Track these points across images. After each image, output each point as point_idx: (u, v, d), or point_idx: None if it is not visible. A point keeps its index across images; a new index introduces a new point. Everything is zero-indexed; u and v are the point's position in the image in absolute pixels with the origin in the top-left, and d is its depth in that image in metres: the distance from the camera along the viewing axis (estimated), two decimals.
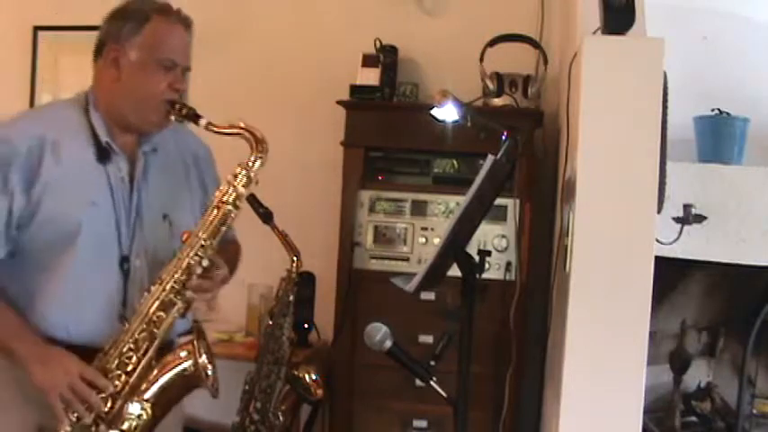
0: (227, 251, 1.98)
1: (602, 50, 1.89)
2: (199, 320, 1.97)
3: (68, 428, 1.69)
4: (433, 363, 1.81)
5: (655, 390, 2.44)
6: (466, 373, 1.84)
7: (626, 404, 1.85)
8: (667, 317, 2.48)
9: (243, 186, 1.80)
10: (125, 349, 1.75)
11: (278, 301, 2.47)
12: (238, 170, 1.80)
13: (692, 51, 2.50)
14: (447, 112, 2.28)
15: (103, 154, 1.80)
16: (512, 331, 2.81)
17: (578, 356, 1.87)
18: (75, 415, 1.69)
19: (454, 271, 1.94)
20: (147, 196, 1.86)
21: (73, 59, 3.82)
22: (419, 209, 3.10)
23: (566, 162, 2.31)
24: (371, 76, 3.29)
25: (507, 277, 2.99)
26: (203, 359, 1.78)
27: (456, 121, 2.33)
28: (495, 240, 3.01)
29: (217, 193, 1.81)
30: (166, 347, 1.84)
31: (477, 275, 1.89)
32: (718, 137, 2.34)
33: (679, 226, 2.14)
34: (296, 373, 2.54)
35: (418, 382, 1.82)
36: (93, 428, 1.72)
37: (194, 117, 1.80)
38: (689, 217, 2.15)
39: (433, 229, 3.08)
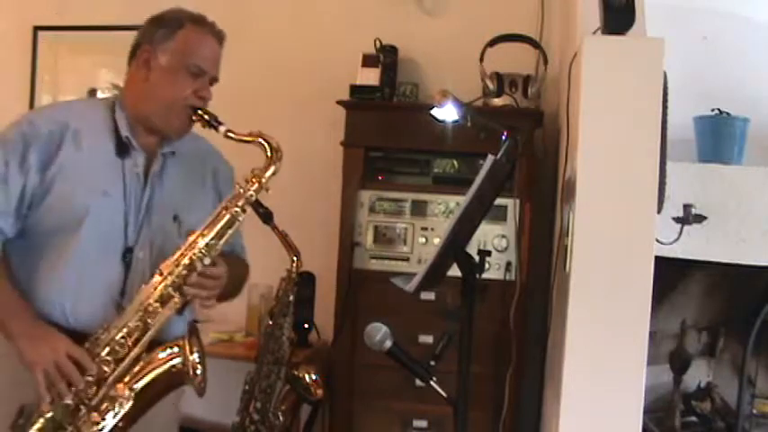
0: (236, 266, 2.00)
1: (602, 50, 1.89)
2: (199, 321, 1.97)
3: (48, 407, 1.70)
4: (433, 363, 1.81)
5: (655, 390, 2.44)
6: (466, 373, 1.84)
7: (626, 404, 1.85)
8: (667, 317, 2.48)
9: (254, 192, 1.84)
10: (117, 336, 1.76)
11: (278, 301, 2.47)
12: (251, 176, 1.84)
13: (692, 51, 2.50)
14: (447, 112, 2.28)
15: (122, 148, 1.86)
16: (512, 331, 2.82)
17: (578, 356, 1.87)
18: (57, 392, 1.70)
19: (454, 271, 1.94)
20: (160, 194, 1.89)
21: (73, 59, 3.83)
22: (419, 209, 3.10)
23: (566, 162, 2.31)
24: (371, 76, 3.29)
25: (507, 277, 2.99)
26: (194, 357, 1.78)
27: (456, 121, 2.33)
28: (495, 240, 3.01)
29: (227, 196, 1.85)
30: (159, 346, 1.85)
31: (477, 275, 1.89)
32: (718, 137, 2.34)
33: (679, 226, 2.14)
34: (296, 373, 2.54)
35: (418, 382, 1.82)
36: (75, 411, 1.73)
37: (215, 123, 1.85)
38: (689, 217, 2.15)
39: (433, 229, 3.08)
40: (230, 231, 1.83)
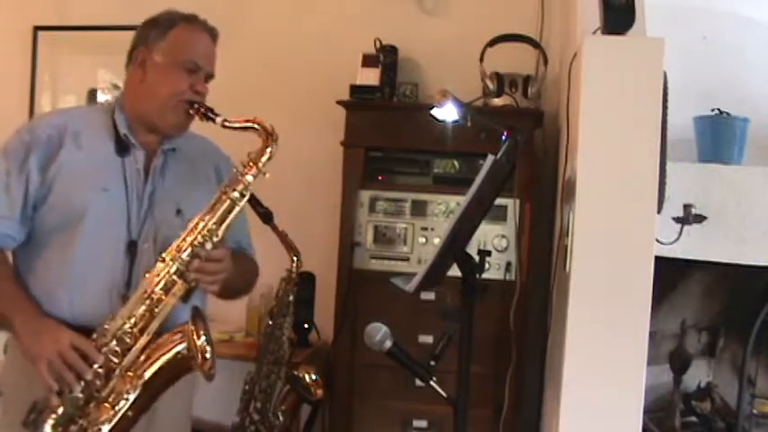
0: (244, 262, 2.02)
1: (602, 50, 1.89)
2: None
3: (57, 401, 1.70)
4: (433, 363, 1.81)
5: (655, 390, 2.44)
6: (466, 373, 1.84)
7: (626, 404, 1.85)
8: (667, 317, 2.48)
9: (251, 176, 1.83)
10: (123, 326, 1.76)
11: (278, 301, 2.47)
12: (247, 160, 1.84)
13: (692, 51, 2.50)
14: (447, 112, 2.28)
15: (122, 147, 1.89)
16: (512, 331, 2.81)
17: (578, 356, 1.88)
18: (66, 383, 1.70)
19: (454, 271, 1.94)
20: (162, 188, 1.91)
21: (73, 59, 3.83)
22: (419, 209, 3.10)
23: (566, 162, 2.31)
24: (371, 76, 3.29)
25: (507, 277, 2.99)
26: (202, 341, 1.76)
27: (456, 121, 2.33)
28: (495, 240, 3.01)
29: (225, 182, 1.85)
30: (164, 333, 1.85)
31: (477, 275, 1.89)
32: (718, 137, 2.34)
33: (679, 226, 2.14)
34: (296, 373, 2.54)
35: (418, 382, 1.82)
36: (85, 404, 1.72)
37: (212, 115, 1.86)
38: (689, 217, 2.15)
39: (433, 229, 3.08)
40: (231, 216, 1.82)
